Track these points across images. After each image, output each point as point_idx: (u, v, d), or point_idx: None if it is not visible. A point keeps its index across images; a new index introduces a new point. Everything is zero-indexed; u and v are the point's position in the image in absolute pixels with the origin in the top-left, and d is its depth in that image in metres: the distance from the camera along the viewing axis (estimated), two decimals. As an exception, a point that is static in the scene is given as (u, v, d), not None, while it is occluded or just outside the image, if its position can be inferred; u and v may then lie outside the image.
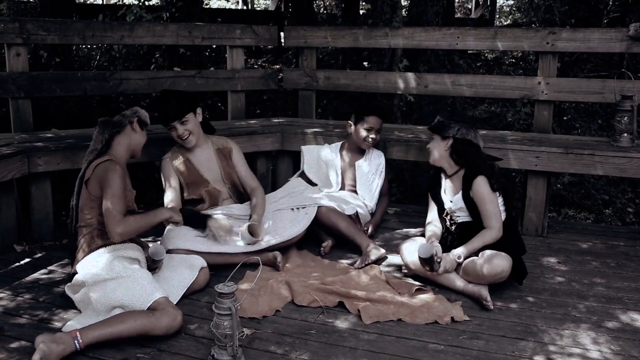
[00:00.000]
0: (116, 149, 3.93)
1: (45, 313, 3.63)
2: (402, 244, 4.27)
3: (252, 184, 4.76)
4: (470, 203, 4.11)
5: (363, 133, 4.99)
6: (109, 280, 3.43)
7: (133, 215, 3.76)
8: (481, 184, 4.04)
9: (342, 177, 5.16)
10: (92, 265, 3.55)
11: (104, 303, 3.40)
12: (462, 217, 4.19)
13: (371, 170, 5.12)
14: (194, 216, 4.27)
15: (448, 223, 4.25)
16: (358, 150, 5.15)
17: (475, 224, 4.09)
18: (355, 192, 5.10)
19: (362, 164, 5.13)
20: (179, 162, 4.64)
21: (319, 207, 4.70)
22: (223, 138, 4.90)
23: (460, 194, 4.17)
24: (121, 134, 3.97)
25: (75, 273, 3.62)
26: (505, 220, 4.12)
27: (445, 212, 4.27)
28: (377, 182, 5.13)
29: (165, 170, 4.63)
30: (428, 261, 3.86)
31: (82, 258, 3.64)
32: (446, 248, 4.07)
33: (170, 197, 4.52)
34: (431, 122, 4.38)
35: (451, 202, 4.23)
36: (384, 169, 5.16)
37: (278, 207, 4.74)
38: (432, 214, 4.39)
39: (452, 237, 4.19)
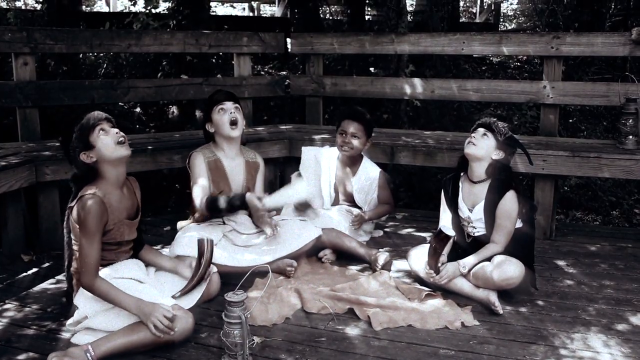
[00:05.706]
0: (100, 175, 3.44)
1: (54, 324, 3.59)
2: (411, 250, 4.26)
3: None
4: (492, 216, 3.97)
5: (338, 139, 4.91)
6: (110, 309, 3.29)
7: (108, 285, 3.28)
8: (511, 200, 3.91)
9: (336, 189, 5.05)
10: (89, 296, 3.33)
11: (108, 329, 3.26)
12: (479, 229, 4.08)
13: (363, 189, 4.96)
14: (234, 200, 4.27)
15: (466, 235, 4.15)
16: (351, 162, 5.00)
17: (490, 237, 4.01)
18: (349, 205, 5.00)
19: (355, 181, 4.98)
20: (209, 158, 4.47)
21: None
22: (252, 151, 4.73)
23: (481, 204, 4.01)
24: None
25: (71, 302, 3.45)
26: (523, 227, 4.05)
27: (462, 222, 4.15)
28: (372, 197, 4.98)
29: (197, 163, 4.42)
30: (443, 242, 3.79)
31: (79, 290, 3.40)
32: (456, 259, 3.98)
33: (201, 193, 4.33)
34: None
35: (470, 211, 4.08)
36: (377, 187, 4.95)
37: (284, 217, 4.67)
38: (445, 219, 4.22)
39: (464, 250, 4.08)
